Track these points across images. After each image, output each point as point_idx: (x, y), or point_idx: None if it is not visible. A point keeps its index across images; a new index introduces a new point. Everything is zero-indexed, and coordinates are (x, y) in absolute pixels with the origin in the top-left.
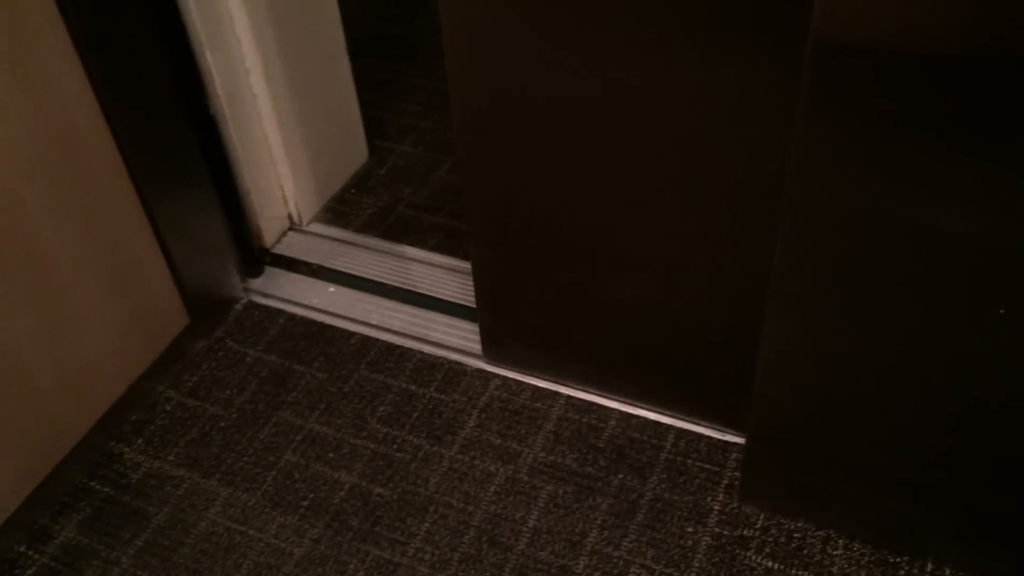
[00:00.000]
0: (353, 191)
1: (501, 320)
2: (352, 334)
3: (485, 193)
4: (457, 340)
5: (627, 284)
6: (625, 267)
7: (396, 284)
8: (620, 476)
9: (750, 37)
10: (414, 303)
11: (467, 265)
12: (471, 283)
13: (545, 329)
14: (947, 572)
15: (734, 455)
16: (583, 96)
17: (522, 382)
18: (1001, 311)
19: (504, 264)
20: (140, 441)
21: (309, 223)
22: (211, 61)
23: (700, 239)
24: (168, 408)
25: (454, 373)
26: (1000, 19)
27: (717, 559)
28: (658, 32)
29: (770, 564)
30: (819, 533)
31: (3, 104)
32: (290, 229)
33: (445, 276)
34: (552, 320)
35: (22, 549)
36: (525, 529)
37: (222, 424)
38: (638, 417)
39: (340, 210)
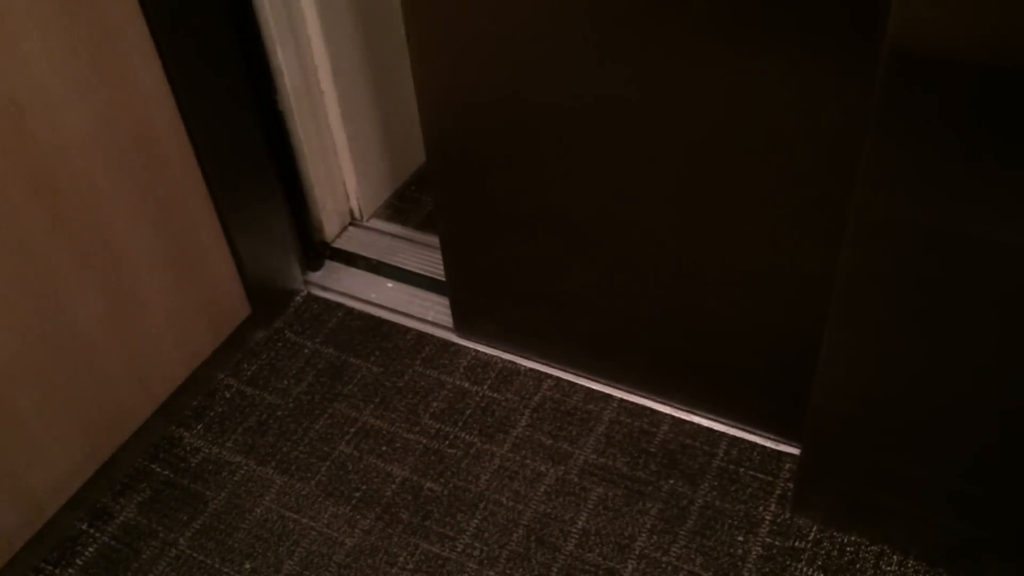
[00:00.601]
0: (413, 188)
1: (472, 299)
2: (408, 330)
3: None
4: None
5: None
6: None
7: None
8: (671, 481)
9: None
10: None
11: None
12: None
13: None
14: None
15: (788, 465)
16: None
17: (575, 383)
18: None
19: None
20: (200, 427)
21: (369, 219)
22: (282, 58)
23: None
24: (227, 396)
25: (507, 372)
26: None
27: (767, 570)
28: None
29: None
30: (873, 548)
31: (84, 96)
32: (351, 224)
33: None
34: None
35: (84, 527)
36: (574, 530)
37: (279, 413)
38: (691, 423)
39: (400, 207)
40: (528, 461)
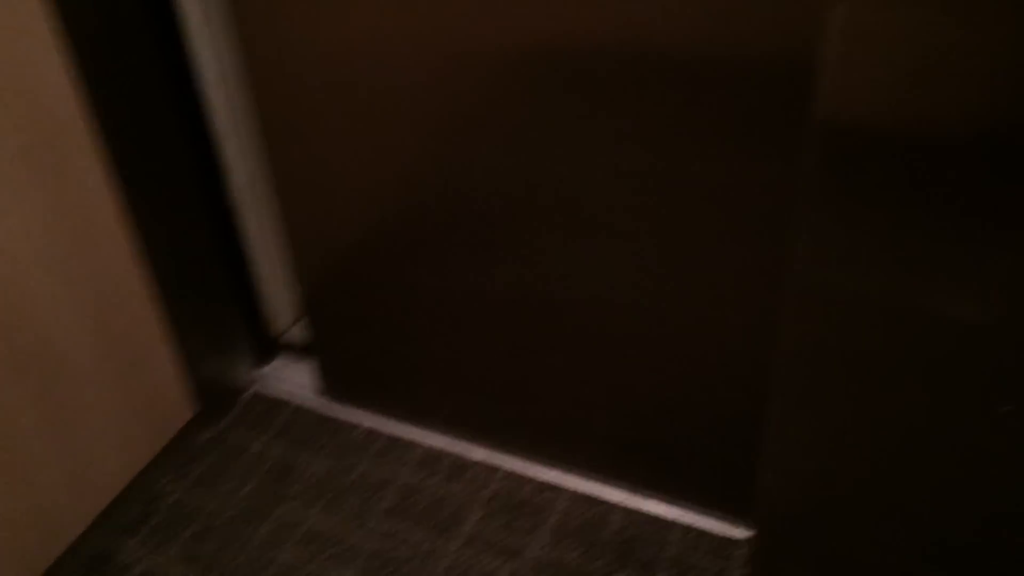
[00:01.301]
0: None
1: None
2: (356, 425)
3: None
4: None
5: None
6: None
7: None
8: (626, 572)
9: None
10: None
11: None
12: None
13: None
14: None
15: (742, 551)
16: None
17: (525, 475)
18: (1008, 408)
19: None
20: (140, 536)
21: None
22: (229, 154)
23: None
24: (169, 502)
25: (458, 464)
26: (1013, 105)
27: None
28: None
29: None
30: None
31: (19, 198)
32: (301, 317)
33: None
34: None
35: None
36: None
37: (223, 519)
38: (643, 512)
39: None
40: (481, 557)
